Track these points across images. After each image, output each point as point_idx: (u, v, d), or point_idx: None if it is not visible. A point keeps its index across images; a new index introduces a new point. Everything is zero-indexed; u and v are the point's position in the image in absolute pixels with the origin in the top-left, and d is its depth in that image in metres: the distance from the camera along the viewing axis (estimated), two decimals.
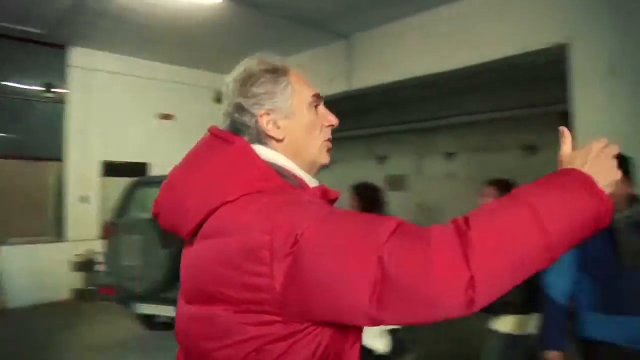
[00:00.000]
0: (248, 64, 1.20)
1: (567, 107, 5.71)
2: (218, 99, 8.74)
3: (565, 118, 5.52)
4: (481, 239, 0.87)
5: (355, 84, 8.24)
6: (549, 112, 8.17)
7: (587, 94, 5.53)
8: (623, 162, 1.56)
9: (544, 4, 5.91)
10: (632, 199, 2.49)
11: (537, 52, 6.08)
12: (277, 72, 1.18)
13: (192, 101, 9.78)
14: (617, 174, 1.00)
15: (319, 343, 1.00)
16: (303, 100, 1.20)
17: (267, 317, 0.97)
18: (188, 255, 1.13)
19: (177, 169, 1.17)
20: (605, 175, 0.98)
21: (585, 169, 0.98)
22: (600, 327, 2.52)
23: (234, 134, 1.15)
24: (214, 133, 1.16)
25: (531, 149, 9.75)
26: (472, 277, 0.85)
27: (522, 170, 7.19)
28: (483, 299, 0.86)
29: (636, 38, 5.17)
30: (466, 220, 0.90)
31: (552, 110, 7.77)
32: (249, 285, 0.96)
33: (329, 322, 0.98)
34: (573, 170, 0.98)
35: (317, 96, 1.23)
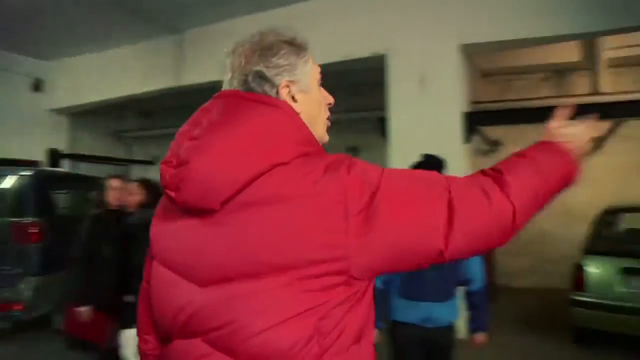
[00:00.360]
0: (261, 35, 1.20)
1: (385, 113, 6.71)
2: (36, 87, 9.25)
3: (383, 123, 6.77)
4: (513, 180, 1.12)
5: (185, 80, 8.33)
6: (371, 117, 8.89)
7: (401, 101, 6.55)
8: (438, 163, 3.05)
9: (367, 17, 6.83)
10: None
11: (359, 60, 6.95)
12: (299, 46, 1.20)
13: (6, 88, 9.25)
14: (584, 140, 1.28)
15: (368, 307, 1.12)
16: (315, 76, 1.25)
17: (331, 280, 1.02)
18: (205, 232, 1.09)
19: (189, 135, 1.11)
20: (575, 142, 1.27)
21: (561, 140, 1.26)
22: (404, 311, 3.09)
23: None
24: (243, 96, 1.13)
25: (353, 150, 10.41)
26: (514, 210, 1.10)
27: None
28: (521, 227, 1.13)
29: (443, 51, 6.45)
30: (496, 168, 1.16)
31: (374, 116, 8.29)
32: (323, 244, 1.00)
33: (395, 270, 1.11)
34: (553, 142, 1.26)
35: (321, 74, 1.29)
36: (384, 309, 3.18)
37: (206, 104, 1.18)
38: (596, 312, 5.46)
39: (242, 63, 1.17)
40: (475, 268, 3.19)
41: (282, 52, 1.16)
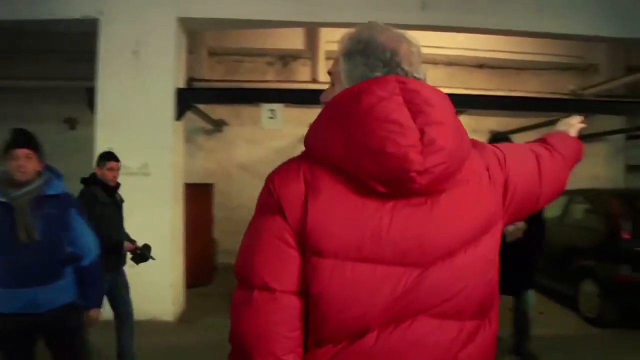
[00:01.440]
0: (413, 42, 1.26)
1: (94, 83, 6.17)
2: None
3: (92, 94, 6.22)
4: (562, 155, 1.56)
5: None
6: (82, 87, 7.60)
7: (112, 72, 6.09)
8: None
9: None
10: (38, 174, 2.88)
11: (71, 22, 6.22)
12: None
13: None
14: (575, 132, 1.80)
15: None
16: None
17: (497, 233, 1.26)
18: (419, 214, 1.14)
19: (422, 121, 1.11)
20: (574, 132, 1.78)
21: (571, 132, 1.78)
22: (2, 301, 2.77)
23: None
24: (431, 87, 1.18)
25: (70, 122, 9.63)
26: (567, 166, 1.59)
27: (64, 144, 8.20)
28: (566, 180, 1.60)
29: (161, 22, 6.15)
30: (548, 143, 1.59)
31: (85, 86, 7.09)
32: (497, 210, 1.26)
33: (516, 217, 1.43)
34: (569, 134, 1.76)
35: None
36: None
37: (400, 89, 1.15)
38: None
39: (417, 58, 1.25)
40: (85, 243, 3.10)
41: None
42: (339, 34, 5.62)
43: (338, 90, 1.22)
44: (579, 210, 7.26)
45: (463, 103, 6.77)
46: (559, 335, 5.83)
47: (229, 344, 1.19)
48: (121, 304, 4.45)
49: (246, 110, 9.32)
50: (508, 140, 4.25)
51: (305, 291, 1.13)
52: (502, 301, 1.38)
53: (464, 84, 9.92)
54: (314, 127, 1.21)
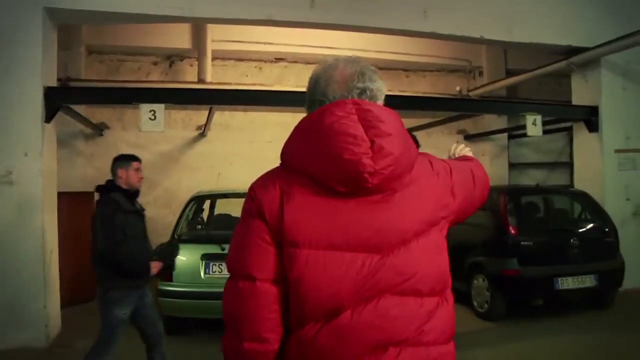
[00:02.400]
0: (362, 61, 1.51)
1: None
2: None
3: None
4: (478, 167, 1.83)
5: None
6: None
7: None
8: None
9: None
10: None
11: None
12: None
13: None
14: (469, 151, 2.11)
15: None
16: None
17: (446, 227, 1.52)
18: (377, 210, 1.38)
19: (372, 134, 1.35)
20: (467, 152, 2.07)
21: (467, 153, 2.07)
22: None
23: None
24: (382, 106, 1.45)
25: None
26: (489, 181, 1.89)
27: None
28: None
29: (27, 13, 5.60)
30: (467, 158, 1.95)
31: None
32: (445, 205, 1.51)
33: (459, 219, 1.64)
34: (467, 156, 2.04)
35: None
36: None
37: (355, 109, 1.38)
38: (183, 300, 5.42)
39: (369, 77, 1.48)
40: None
41: (378, 76, 1.53)
42: (227, 32, 5.36)
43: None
44: None
45: None
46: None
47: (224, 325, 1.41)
48: (150, 326, 3.98)
49: (129, 112, 8.75)
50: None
51: (282, 279, 1.36)
52: None
53: None
54: (287, 143, 1.45)
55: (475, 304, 6.48)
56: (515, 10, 7.01)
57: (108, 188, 3.91)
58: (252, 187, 1.45)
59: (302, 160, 1.40)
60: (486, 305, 6.27)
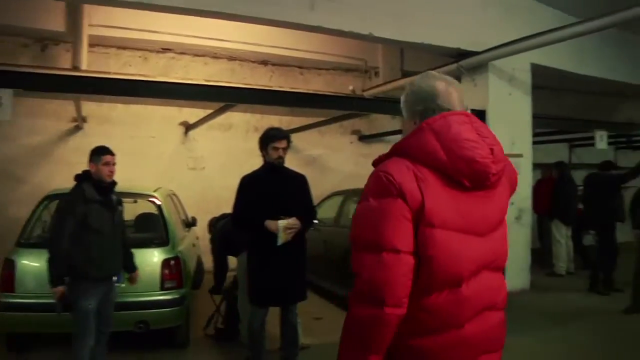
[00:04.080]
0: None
1: None
2: None
3: None
4: None
5: None
6: None
7: None
8: None
9: None
10: None
11: None
12: None
13: None
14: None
15: None
16: None
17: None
18: (482, 202, 1.74)
19: (488, 142, 1.73)
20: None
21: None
22: None
23: None
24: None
25: None
26: None
27: None
28: None
29: None
30: None
31: None
32: (508, 203, 1.88)
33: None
34: None
35: None
36: None
37: (451, 123, 1.71)
38: (27, 314, 4.72)
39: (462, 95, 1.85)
40: None
41: None
42: (108, 17, 4.58)
43: (407, 119, 1.89)
44: (354, 210, 7.18)
45: (245, 97, 6.33)
46: (334, 341, 5.55)
47: (356, 297, 1.62)
48: (102, 323, 4.19)
49: None
50: (287, 138, 4.41)
51: (416, 252, 1.60)
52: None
53: (247, 80, 9.53)
54: (412, 141, 1.71)
55: None
56: (407, 10, 6.85)
57: (80, 177, 4.13)
58: (388, 172, 1.63)
59: (436, 157, 1.65)
60: None
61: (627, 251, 7.40)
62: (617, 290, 7.65)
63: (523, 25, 7.14)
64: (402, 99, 1.92)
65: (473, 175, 1.67)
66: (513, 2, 7.77)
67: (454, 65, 7.63)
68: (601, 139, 7.63)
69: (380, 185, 1.62)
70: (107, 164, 4.11)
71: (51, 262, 3.91)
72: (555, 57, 7.91)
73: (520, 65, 7.66)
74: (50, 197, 5.47)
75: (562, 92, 11.06)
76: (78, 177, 4.15)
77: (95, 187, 4.08)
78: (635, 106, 14.03)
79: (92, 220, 3.97)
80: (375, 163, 1.78)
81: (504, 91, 7.71)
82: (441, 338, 1.66)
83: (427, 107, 1.79)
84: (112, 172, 4.16)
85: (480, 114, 7.52)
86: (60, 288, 3.89)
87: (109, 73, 8.03)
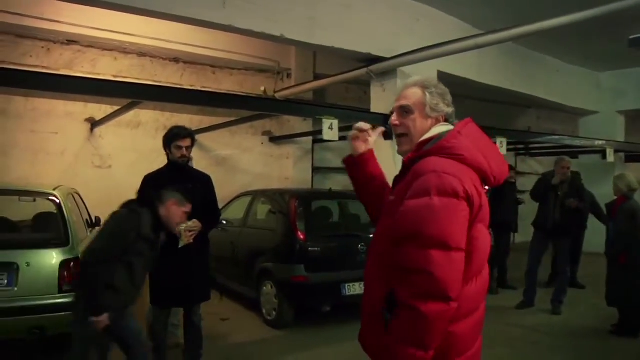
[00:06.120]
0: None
1: None
2: None
3: None
4: None
5: None
6: None
7: None
8: None
9: None
10: None
11: None
12: None
13: None
14: None
15: None
16: None
17: None
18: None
19: (495, 149, 1.97)
20: None
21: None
22: None
23: None
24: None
25: None
26: None
27: None
28: None
29: None
30: None
31: None
32: None
33: None
34: None
35: None
36: None
37: (477, 129, 1.96)
38: None
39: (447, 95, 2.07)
40: None
41: None
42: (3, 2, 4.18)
43: (422, 117, 2.02)
44: (261, 211, 7.21)
45: (155, 95, 6.16)
46: (240, 342, 5.59)
47: (421, 294, 1.66)
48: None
49: None
50: (191, 136, 4.39)
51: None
52: None
53: (158, 77, 9.30)
54: (457, 143, 1.83)
55: (264, 311, 6.27)
56: (319, 13, 6.93)
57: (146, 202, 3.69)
58: (454, 174, 1.73)
59: (479, 159, 1.82)
60: (274, 313, 6.08)
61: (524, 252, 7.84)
62: (511, 287, 8.17)
63: (432, 34, 7.46)
64: (424, 96, 1.99)
65: (499, 175, 1.90)
66: (423, 12, 8.06)
67: (363, 70, 7.83)
68: (501, 145, 8.12)
69: (448, 185, 1.70)
70: (183, 213, 3.83)
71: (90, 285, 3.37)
72: (459, 66, 8.32)
73: (428, 72, 7.96)
74: None
75: (467, 99, 11.57)
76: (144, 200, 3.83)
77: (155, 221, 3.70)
78: (534, 116, 15.11)
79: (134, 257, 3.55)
80: (410, 160, 1.90)
81: None
82: (471, 319, 1.82)
83: (451, 111, 2.02)
84: (181, 221, 3.85)
85: (388, 119, 7.75)
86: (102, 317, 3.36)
87: (4, 63, 7.63)
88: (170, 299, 4.30)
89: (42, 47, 8.65)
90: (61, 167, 8.44)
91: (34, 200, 5.65)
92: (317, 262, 5.95)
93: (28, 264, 4.56)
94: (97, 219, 6.50)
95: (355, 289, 5.97)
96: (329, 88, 10.36)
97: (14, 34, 8.30)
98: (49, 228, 5.32)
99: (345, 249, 6.18)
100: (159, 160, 4.75)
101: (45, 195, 5.44)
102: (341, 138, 6.82)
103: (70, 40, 8.77)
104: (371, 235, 6.53)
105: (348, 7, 7.27)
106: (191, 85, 9.44)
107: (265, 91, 10.01)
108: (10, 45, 8.29)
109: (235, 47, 9.30)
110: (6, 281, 4.12)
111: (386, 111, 7.69)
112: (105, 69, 8.86)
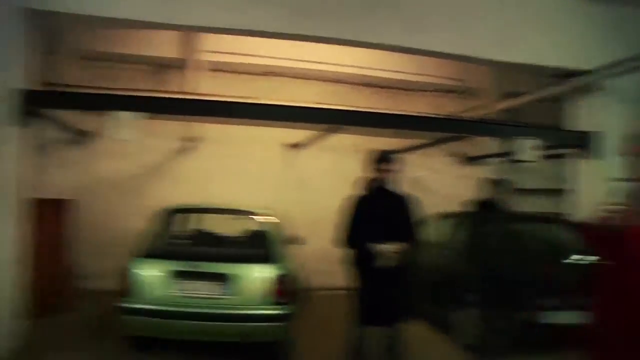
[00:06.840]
0: None
1: None
2: None
3: None
4: None
5: None
6: None
7: None
8: None
9: None
10: None
11: None
12: None
13: None
14: None
15: None
16: None
17: None
18: None
19: None
20: None
21: None
22: None
23: None
24: None
25: None
26: None
27: None
28: None
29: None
30: None
31: None
32: None
33: None
34: None
35: None
36: None
37: None
38: (148, 318, 5.05)
39: None
40: None
41: None
42: (218, 42, 4.83)
43: None
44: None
45: (347, 119, 6.48)
46: None
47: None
48: None
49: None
50: (389, 160, 4.66)
51: None
52: None
53: (351, 102, 9.64)
54: None
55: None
56: (507, 29, 6.78)
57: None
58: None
59: None
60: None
61: None
62: None
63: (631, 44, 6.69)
64: None
65: None
66: (618, 22, 7.26)
67: (564, 86, 7.37)
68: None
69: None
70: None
71: None
72: None
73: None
74: (170, 211, 5.94)
75: None
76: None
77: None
78: None
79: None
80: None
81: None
82: None
83: None
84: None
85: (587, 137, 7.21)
86: None
87: (220, 96, 8.48)
88: (372, 317, 4.45)
89: (244, 80, 9.49)
90: (266, 188, 9.14)
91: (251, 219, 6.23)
92: None
93: (243, 277, 5.09)
94: (300, 238, 6.87)
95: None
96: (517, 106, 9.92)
97: (222, 70, 9.26)
98: (261, 245, 5.73)
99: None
100: (358, 181, 4.91)
101: (260, 215, 6.02)
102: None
103: (270, 72, 9.53)
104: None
105: (541, 22, 6.98)
106: (387, 109, 9.62)
107: (452, 113, 9.85)
108: (221, 79, 9.21)
109: (423, 69, 9.38)
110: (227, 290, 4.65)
111: (589, 129, 7.15)
112: (301, 96, 9.36)
